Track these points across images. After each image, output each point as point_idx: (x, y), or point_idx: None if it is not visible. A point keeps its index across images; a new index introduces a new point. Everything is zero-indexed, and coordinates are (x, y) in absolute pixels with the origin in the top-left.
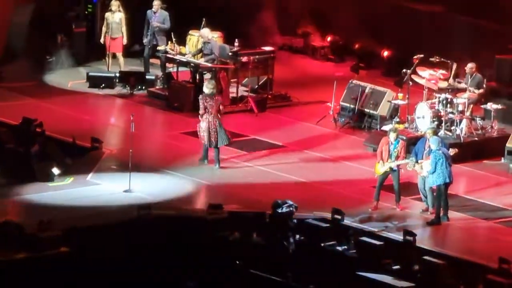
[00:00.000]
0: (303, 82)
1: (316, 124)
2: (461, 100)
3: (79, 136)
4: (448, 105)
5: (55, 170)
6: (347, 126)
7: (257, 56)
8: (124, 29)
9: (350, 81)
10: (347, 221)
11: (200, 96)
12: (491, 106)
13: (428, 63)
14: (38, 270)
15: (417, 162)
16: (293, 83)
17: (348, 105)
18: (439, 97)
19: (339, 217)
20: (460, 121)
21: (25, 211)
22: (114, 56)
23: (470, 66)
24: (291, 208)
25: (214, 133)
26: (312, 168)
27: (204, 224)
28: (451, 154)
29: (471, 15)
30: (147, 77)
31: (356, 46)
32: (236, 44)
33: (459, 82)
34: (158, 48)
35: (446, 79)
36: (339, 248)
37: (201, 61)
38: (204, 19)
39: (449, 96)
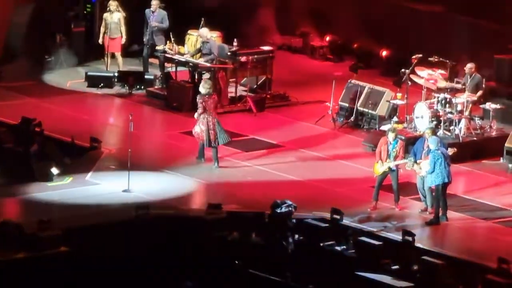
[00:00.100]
0: (302, 82)
1: (315, 123)
2: (460, 100)
3: (78, 135)
4: (447, 105)
5: (54, 170)
6: (345, 125)
7: (256, 56)
8: (123, 29)
9: (349, 80)
10: (346, 221)
11: (198, 96)
12: (490, 106)
13: (427, 63)
14: (37, 270)
15: (416, 162)
16: (292, 83)
17: (346, 105)
18: (438, 97)
19: (338, 217)
20: (459, 121)
21: (24, 211)
22: (113, 55)
23: (469, 66)
24: (290, 208)
25: (213, 132)
26: (310, 168)
27: (203, 224)
28: (450, 154)
29: (470, 15)
30: (146, 76)
31: (355, 46)
32: (235, 43)
33: (458, 82)
34: (157, 47)
35: (445, 79)
36: (338, 248)
37: (200, 60)
38: (203, 18)
39: (448, 96)
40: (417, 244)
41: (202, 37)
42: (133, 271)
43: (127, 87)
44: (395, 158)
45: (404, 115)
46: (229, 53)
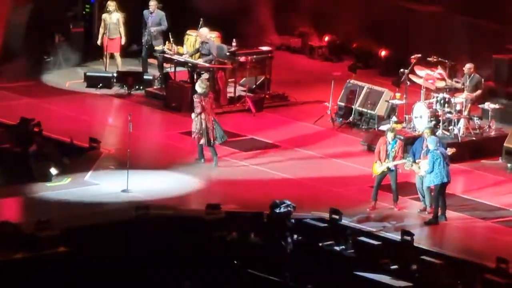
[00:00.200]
0: (300, 82)
1: (314, 123)
2: (459, 99)
3: (77, 136)
4: (446, 105)
5: (53, 170)
6: (344, 125)
7: (254, 56)
8: (122, 29)
9: (347, 80)
10: (345, 221)
11: (195, 96)
12: (488, 105)
13: (426, 63)
14: (36, 270)
15: (414, 161)
16: (291, 83)
17: (345, 105)
18: (437, 97)
19: (337, 217)
20: (458, 120)
21: (23, 211)
22: (111, 56)
23: (468, 67)
24: (289, 208)
25: (211, 131)
26: (309, 168)
27: (202, 224)
28: (449, 153)
29: (469, 15)
30: (144, 77)
31: (354, 45)
32: (233, 44)
33: (457, 82)
34: (156, 48)
35: (444, 79)
36: (337, 248)
37: (199, 61)
38: (201, 19)
39: (446, 95)
40: (416, 244)
41: (202, 37)
42: (133, 271)
43: (126, 88)
44: (394, 158)
45: (403, 115)
46: (228, 53)
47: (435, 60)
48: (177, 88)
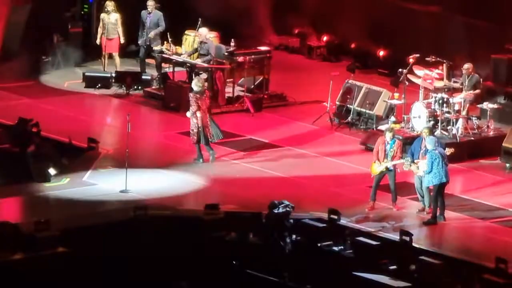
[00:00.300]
0: (299, 82)
1: (312, 123)
2: (457, 99)
3: (76, 136)
4: (444, 105)
5: (52, 171)
6: (343, 125)
7: (253, 56)
8: (120, 29)
9: (346, 80)
10: (343, 221)
11: (191, 94)
12: (487, 105)
13: (424, 63)
14: (35, 271)
15: (413, 161)
16: (289, 83)
17: (344, 104)
18: (435, 97)
19: (335, 217)
20: (456, 120)
21: (21, 212)
22: (110, 56)
23: (466, 67)
24: (288, 208)
25: (207, 128)
26: (308, 168)
27: (200, 224)
28: (447, 153)
29: (468, 15)
30: (143, 77)
31: (352, 45)
32: (232, 44)
33: (456, 82)
34: (154, 48)
35: (442, 79)
36: (335, 248)
37: (197, 61)
38: (200, 19)
39: (445, 95)
40: (415, 244)
41: (201, 37)
42: (131, 271)
43: (125, 88)
44: (393, 158)
45: (402, 115)
46: (226, 54)
47: (433, 60)
48: (176, 88)
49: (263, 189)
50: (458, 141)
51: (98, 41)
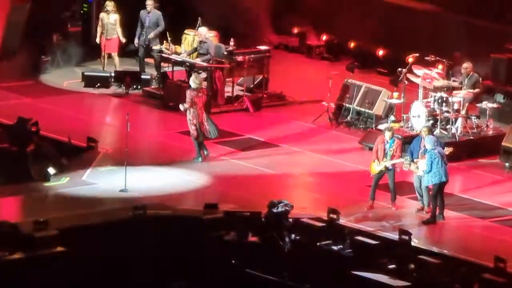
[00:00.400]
0: (298, 81)
1: (312, 123)
2: (457, 98)
3: (75, 135)
4: (444, 104)
5: (51, 170)
6: (342, 125)
7: (252, 56)
8: (119, 30)
9: (345, 80)
10: (342, 221)
11: (188, 90)
12: (486, 105)
13: (423, 62)
14: (34, 270)
15: (412, 161)
16: (289, 82)
17: (343, 104)
18: (435, 96)
19: (334, 216)
20: (456, 120)
21: (20, 211)
22: (109, 56)
23: (465, 66)
24: (287, 208)
25: (203, 125)
26: (307, 167)
27: (199, 224)
28: (447, 153)
29: (467, 14)
30: (142, 76)
31: (352, 45)
32: (231, 43)
33: (455, 81)
34: (153, 47)
35: (442, 78)
36: (334, 248)
37: (197, 60)
38: (200, 18)
39: (444, 95)
40: (414, 243)
41: (201, 37)
42: (130, 271)
43: (124, 87)
44: (392, 157)
45: (401, 114)
46: (225, 53)
47: (433, 59)
48: (175, 87)
49: (262, 189)
50: (457, 140)
51: (97, 40)
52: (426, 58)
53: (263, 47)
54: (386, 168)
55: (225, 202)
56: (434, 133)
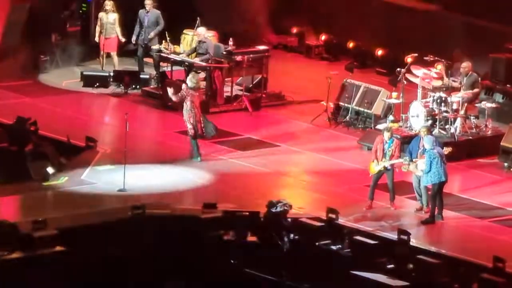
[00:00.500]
0: (297, 81)
1: (311, 122)
2: (456, 98)
3: (74, 135)
4: (443, 104)
5: (50, 169)
6: (341, 125)
7: (251, 55)
8: (118, 29)
9: (344, 80)
10: (341, 220)
11: (185, 87)
12: (485, 104)
13: (422, 62)
14: (33, 270)
15: (411, 161)
16: (288, 82)
17: (342, 104)
18: (434, 96)
19: (333, 216)
20: (455, 119)
21: (19, 210)
22: (108, 55)
23: (464, 66)
24: (286, 207)
25: (200, 124)
26: (306, 167)
27: (198, 223)
28: (446, 153)
29: (466, 14)
30: (141, 76)
31: (351, 45)
32: (230, 43)
33: (454, 81)
34: (152, 47)
35: (440, 78)
36: (333, 247)
37: (196, 60)
38: (198, 18)
39: (443, 94)
40: (413, 243)
41: (200, 36)
42: (129, 270)
43: (123, 87)
44: (391, 157)
45: (400, 114)
46: (224, 53)
47: (431, 59)
48: (174, 87)
49: (261, 188)
50: (456, 140)
51: (96, 39)
52: (425, 58)
53: (262, 47)
54: (385, 168)
55: (224, 201)
56: (433, 133)
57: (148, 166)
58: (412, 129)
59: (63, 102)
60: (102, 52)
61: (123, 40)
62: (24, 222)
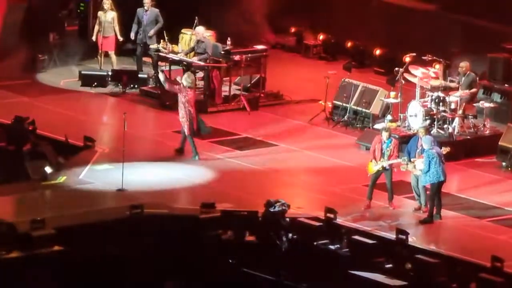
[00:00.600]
0: (295, 81)
1: (309, 122)
2: (454, 98)
3: (72, 134)
4: (441, 103)
5: (48, 169)
6: (339, 124)
7: (249, 55)
8: (117, 28)
9: (342, 79)
10: (339, 220)
11: (183, 85)
12: (483, 104)
13: (421, 62)
14: (31, 269)
15: (410, 160)
16: (286, 82)
17: (340, 103)
18: (432, 96)
19: (331, 215)
20: (453, 119)
21: (17, 210)
22: (106, 54)
23: (462, 65)
24: (284, 207)
25: (194, 120)
26: (304, 166)
27: (196, 223)
28: (444, 152)
29: (464, 13)
30: (139, 75)
31: (349, 44)
32: (228, 42)
33: (452, 81)
34: (151, 46)
35: (438, 78)
36: (331, 247)
37: (194, 59)
38: (196, 17)
39: (441, 94)
40: (411, 243)
41: (198, 36)
42: (127, 270)
43: (121, 86)
44: (389, 157)
45: (398, 113)
46: (222, 52)
47: (429, 59)
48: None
49: (259, 188)
50: (454, 139)
51: (94, 38)
52: (423, 57)
53: (260, 47)
54: (383, 168)
55: (222, 201)
56: (431, 132)
57: (146, 165)
58: (410, 129)
59: (61, 101)
60: (100, 51)
61: (121, 39)
62: (22, 222)
